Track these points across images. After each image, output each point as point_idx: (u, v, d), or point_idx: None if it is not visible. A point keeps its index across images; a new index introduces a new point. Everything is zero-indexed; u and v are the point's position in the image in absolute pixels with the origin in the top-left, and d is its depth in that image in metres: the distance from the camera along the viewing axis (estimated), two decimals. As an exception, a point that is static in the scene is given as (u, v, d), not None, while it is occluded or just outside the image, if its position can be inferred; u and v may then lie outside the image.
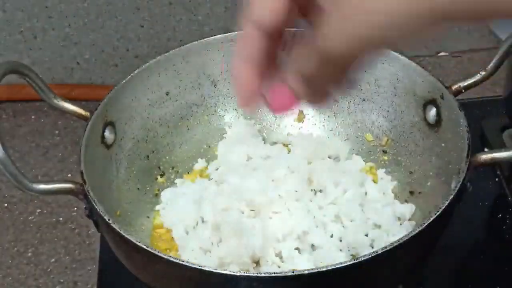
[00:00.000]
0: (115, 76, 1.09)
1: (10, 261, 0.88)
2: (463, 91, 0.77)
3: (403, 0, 0.42)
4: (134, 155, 0.82)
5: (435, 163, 0.78)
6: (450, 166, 0.74)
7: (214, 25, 1.07)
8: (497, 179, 0.89)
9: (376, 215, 0.75)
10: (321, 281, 0.61)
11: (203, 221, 0.75)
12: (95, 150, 0.75)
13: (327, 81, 0.48)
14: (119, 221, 0.75)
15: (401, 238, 0.62)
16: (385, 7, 0.42)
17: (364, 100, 0.85)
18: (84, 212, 0.70)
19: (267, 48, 0.50)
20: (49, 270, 0.87)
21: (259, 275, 0.61)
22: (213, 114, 0.88)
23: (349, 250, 0.72)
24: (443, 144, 0.77)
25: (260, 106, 0.52)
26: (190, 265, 0.61)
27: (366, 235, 0.73)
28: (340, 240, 0.73)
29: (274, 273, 0.61)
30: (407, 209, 0.77)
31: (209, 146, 0.87)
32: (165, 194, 0.82)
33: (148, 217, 0.80)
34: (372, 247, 0.72)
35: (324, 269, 0.60)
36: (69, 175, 0.98)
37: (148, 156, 0.83)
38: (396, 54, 0.81)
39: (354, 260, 0.61)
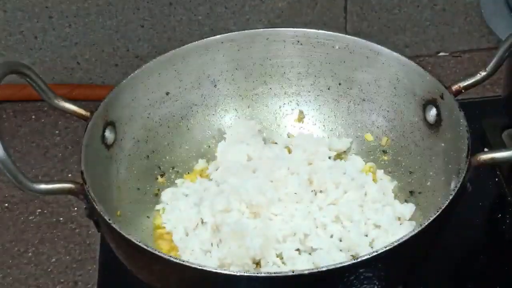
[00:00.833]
0: (115, 76, 1.09)
1: (10, 261, 0.89)
2: (463, 91, 0.77)
3: None
4: (134, 155, 0.82)
5: (435, 163, 0.78)
6: (450, 166, 0.74)
7: (214, 25, 1.07)
8: (497, 179, 0.89)
9: (376, 215, 0.75)
10: (321, 281, 0.61)
11: (202, 223, 0.75)
12: (96, 150, 0.75)
13: None
14: (119, 221, 0.75)
15: (401, 238, 0.62)
16: None
17: (364, 100, 0.85)
18: (84, 212, 0.70)
19: None
20: (49, 270, 0.87)
21: (259, 275, 0.61)
22: (213, 114, 0.88)
23: (349, 251, 0.72)
24: (443, 144, 0.77)
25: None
26: (190, 265, 0.61)
27: (366, 235, 0.73)
28: (340, 240, 0.73)
29: (274, 273, 0.62)
30: (407, 209, 0.77)
31: (209, 146, 0.87)
32: (165, 194, 0.82)
33: (148, 217, 0.80)
34: (372, 247, 0.73)
35: (324, 269, 0.60)
36: (69, 175, 0.98)
37: (148, 156, 0.84)
38: (396, 54, 0.82)
39: (354, 260, 0.61)
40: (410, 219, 0.77)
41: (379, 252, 0.61)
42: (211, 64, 0.86)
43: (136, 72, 0.81)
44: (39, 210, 0.94)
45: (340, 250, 0.72)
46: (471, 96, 0.84)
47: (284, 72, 0.87)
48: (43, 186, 0.68)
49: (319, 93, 0.88)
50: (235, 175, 0.77)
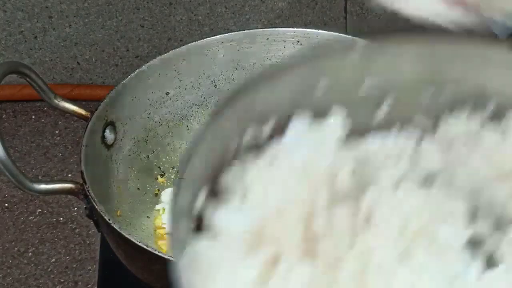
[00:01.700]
0: (115, 76, 1.09)
1: (10, 261, 0.89)
2: (463, 91, 0.77)
3: None
4: (134, 155, 0.82)
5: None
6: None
7: (215, 25, 1.07)
8: (497, 179, 0.89)
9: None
10: (321, 281, 0.61)
11: None
12: (96, 150, 0.75)
13: None
14: (119, 221, 0.76)
15: (401, 238, 0.62)
16: None
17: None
18: (85, 212, 0.70)
19: None
20: (49, 270, 0.88)
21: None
22: (213, 114, 0.88)
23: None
24: (443, 144, 0.77)
25: None
26: (190, 265, 0.61)
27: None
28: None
29: (274, 273, 0.61)
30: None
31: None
32: (165, 194, 0.82)
33: (148, 217, 0.80)
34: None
35: (324, 269, 0.60)
36: (70, 175, 0.98)
37: (148, 156, 0.84)
38: (396, 54, 0.81)
39: (354, 260, 0.61)
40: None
41: (379, 252, 0.61)
42: (211, 64, 0.86)
43: (136, 72, 0.81)
44: (39, 210, 0.94)
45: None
46: (471, 96, 0.84)
47: (284, 72, 0.87)
48: (43, 186, 0.68)
49: (319, 93, 0.87)
50: None
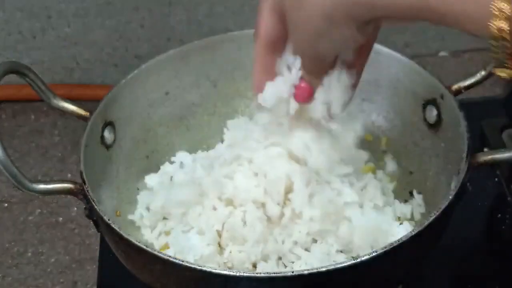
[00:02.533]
0: (114, 76, 1.09)
1: (10, 261, 0.88)
2: (463, 91, 0.77)
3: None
4: (134, 155, 0.82)
5: (435, 163, 0.78)
6: (450, 166, 0.74)
7: (214, 25, 1.07)
8: (497, 179, 0.89)
9: (376, 215, 0.75)
10: (321, 281, 0.61)
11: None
12: (95, 150, 0.75)
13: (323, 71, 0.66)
14: (119, 221, 0.75)
15: (401, 238, 0.62)
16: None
17: (364, 100, 0.85)
18: (84, 212, 0.70)
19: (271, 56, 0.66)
20: (48, 270, 0.87)
21: (259, 275, 0.61)
22: (213, 114, 0.88)
23: (349, 251, 0.72)
24: (443, 144, 0.77)
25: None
26: (190, 265, 0.61)
27: (366, 235, 0.73)
28: (339, 238, 0.73)
29: (274, 273, 0.61)
30: (407, 209, 0.77)
31: (209, 147, 0.87)
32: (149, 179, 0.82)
33: (148, 217, 0.80)
34: (372, 248, 0.72)
35: (324, 269, 0.60)
36: (69, 175, 0.98)
37: (148, 156, 0.83)
38: (397, 54, 0.82)
39: (354, 260, 0.61)
40: (410, 219, 0.77)
41: (378, 252, 0.61)
42: (211, 64, 0.86)
43: (135, 72, 0.81)
44: (39, 210, 0.94)
45: (341, 251, 0.71)
46: (471, 96, 0.84)
47: (284, 72, 0.87)
48: (42, 186, 0.67)
49: (319, 93, 0.87)
50: (237, 177, 0.76)
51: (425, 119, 0.80)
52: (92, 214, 0.69)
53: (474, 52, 1.14)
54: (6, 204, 0.95)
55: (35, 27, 1.05)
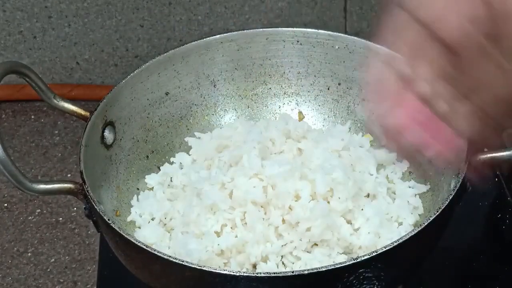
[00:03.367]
0: (115, 76, 1.09)
1: (10, 261, 0.89)
2: (463, 91, 0.77)
3: None
4: (134, 155, 0.82)
5: (435, 163, 0.78)
6: (450, 166, 0.74)
7: (214, 25, 1.07)
8: (497, 179, 0.89)
9: (376, 215, 0.75)
10: (321, 281, 0.61)
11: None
12: (95, 150, 0.75)
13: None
14: (119, 221, 0.75)
15: (401, 238, 0.62)
16: None
17: (364, 100, 0.85)
18: (84, 212, 0.70)
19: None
20: (48, 270, 0.87)
21: (259, 275, 0.61)
22: (213, 114, 0.88)
23: (349, 251, 0.72)
24: (443, 144, 0.77)
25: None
26: (190, 265, 0.61)
27: (366, 235, 0.73)
28: (340, 240, 0.73)
29: (274, 273, 0.61)
30: (407, 209, 0.77)
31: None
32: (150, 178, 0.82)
33: (148, 217, 0.80)
34: (372, 247, 0.72)
35: (324, 269, 0.60)
36: (69, 175, 0.98)
37: (148, 156, 0.83)
38: (396, 54, 0.81)
39: (354, 260, 0.61)
40: (410, 219, 0.76)
41: (379, 252, 0.61)
42: (211, 64, 0.86)
43: (135, 72, 0.81)
44: (39, 210, 0.94)
45: (342, 253, 0.71)
46: (471, 96, 0.84)
47: (284, 72, 0.87)
48: (42, 186, 0.67)
49: (319, 93, 0.87)
50: (238, 177, 0.76)
51: (425, 119, 0.80)
52: (92, 214, 0.69)
53: (474, 52, 1.13)
54: (6, 204, 0.95)
55: (36, 27, 1.05)
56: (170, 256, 0.62)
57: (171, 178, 0.81)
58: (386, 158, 0.82)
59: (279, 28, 0.86)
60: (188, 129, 0.87)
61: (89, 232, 0.90)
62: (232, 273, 0.61)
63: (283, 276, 0.60)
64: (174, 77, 0.84)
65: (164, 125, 0.85)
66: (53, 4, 1.03)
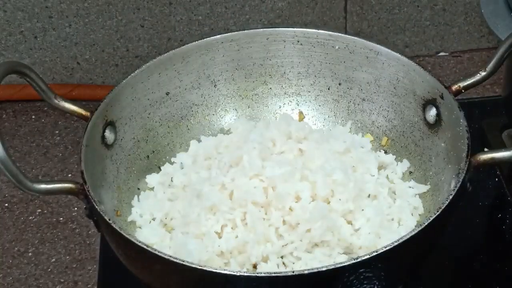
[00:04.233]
0: (115, 76, 1.09)
1: (10, 261, 0.89)
2: (463, 91, 0.77)
3: None
4: (134, 155, 0.82)
5: (435, 163, 0.78)
6: (450, 166, 0.74)
7: (214, 25, 1.07)
8: (497, 179, 0.89)
9: (376, 215, 0.75)
10: (321, 281, 0.61)
11: None
12: (96, 150, 0.75)
13: None
14: (119, 221, 0.76)
15: (401, 238, 0.62)
16: None
17: (364, 100, 0.85)
18: (85, 212, 0.70)
19: None
20: (49, 270, 0.88)
21: (259, 275, 0.61)
22: (213, 114, 0.88)
23: (349, 251, 0.72)
24: (443, 144, 0.77)
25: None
26: (190, 265, 0.61)
27: (367, 236, 0.73)
28: (340, 240, 0.73)
29: (274, 273, 0.62)
30: (408, 209, 0.77)
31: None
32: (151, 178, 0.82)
33: (148, 217, 0.80)
34: (372, 248, 0.72)
35: (324, 269, 0.60)
36: (70, 175, 0.98)
37: (148, 156, 0.84)
38: (396, 54, 0.82)
39: (354, 260, 0.61)
40: (410, 219, 0.77)
41: (379, 252, 0.61)
42: (211, 64, 0.86)
43: (136, 72, 0.81)
44: (39, 210, 0.94)
45: (342, 253, 0.72)
46: (471, 96, 0.85)
47: (284, 72, 0.87)
48: (43, 186, 0.67)
49: (319, 93, 0.88)
50: (239, 177, 0.76)
51: (425, 119, 0.80)
52: (93, 214, 0.70)
53: (474, 52, 1.14)
54: (6, 204, 0.95)
55: (36, 27, 1.05)
56: (170, 256, 0.62)
57: (171, 178, 0.81)
58: (386, 159, 0.82)
59: (280, 28, 0.86)
60: (188, 129, 0.87)
61: (90, 232, 0.90)
62: (233, 273, 0.61)
63: (283, 276, 0.61)
64: (175, 77, 0.84)
65: (164, 125, 0.85)
66: (54, 4, 1.03)
